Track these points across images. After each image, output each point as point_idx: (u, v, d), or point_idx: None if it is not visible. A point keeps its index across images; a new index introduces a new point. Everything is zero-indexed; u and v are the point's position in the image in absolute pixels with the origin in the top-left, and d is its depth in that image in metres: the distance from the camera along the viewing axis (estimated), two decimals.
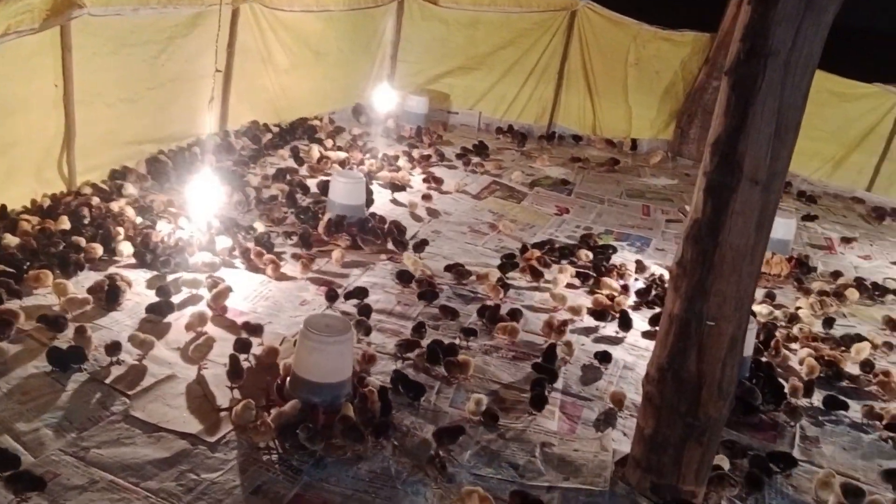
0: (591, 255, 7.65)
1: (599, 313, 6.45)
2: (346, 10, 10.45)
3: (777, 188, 3.79)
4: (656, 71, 11.71)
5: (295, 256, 6.68)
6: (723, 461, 4.70)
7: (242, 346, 5.08)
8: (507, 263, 7.12)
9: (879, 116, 10.81)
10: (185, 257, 6.15)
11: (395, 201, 8.54)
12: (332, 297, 6.08)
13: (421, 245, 7.24)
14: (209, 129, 8.16)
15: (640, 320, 6.57)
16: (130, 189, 7.06)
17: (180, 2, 7.54)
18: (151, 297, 5.61)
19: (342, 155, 9.21)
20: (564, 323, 6.11)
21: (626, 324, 6.33)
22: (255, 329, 5.35)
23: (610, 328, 6.45)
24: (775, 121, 3.63)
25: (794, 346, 6.51)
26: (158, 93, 7.71)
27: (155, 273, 6.04)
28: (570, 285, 7.04)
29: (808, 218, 9.94)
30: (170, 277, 5.99)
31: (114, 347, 4.84)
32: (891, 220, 10.46)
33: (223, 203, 7.27)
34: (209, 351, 5.12)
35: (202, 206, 6.78)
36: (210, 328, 5.43)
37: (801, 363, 6.16)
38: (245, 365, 4.98)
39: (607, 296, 6.76)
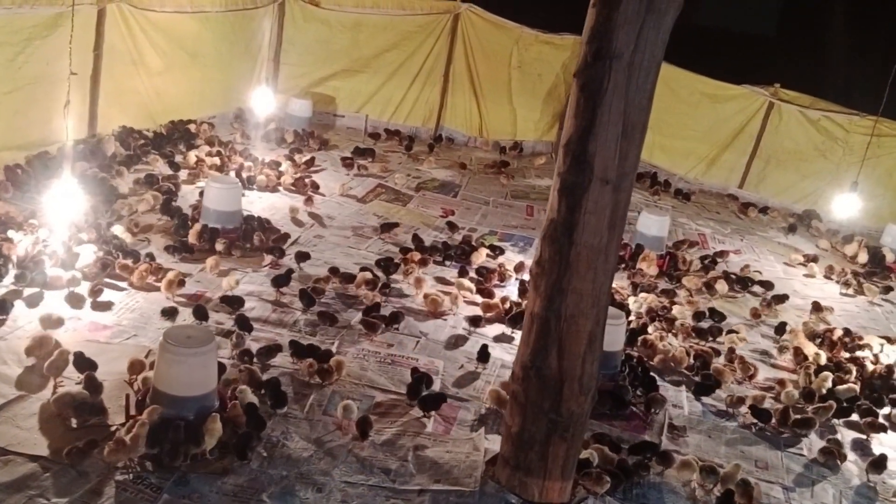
0: (484, 256, 7.80)
1: (474, 320, 6.48)
2: (224, 10, 10.20)
3: (627, 187, 3.88)
4: (539, 74, 11.92)
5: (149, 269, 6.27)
6: (592, 456, 4.82)
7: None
8: (385, 265, 7.10)
9: (748, 116, 11.35)
10: (42, 271, 5.82)
11: (274, 207, 8.37)
12: (201, 313, 5.81)
13: (303, 257, 7.11)
14: (71, 135, 7.75)
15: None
16: None
17: (38, 2, 7.16)
18: None
19: (217, 160, 8.94)
20: None
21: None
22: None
23: (492, 329, 6.52)
24: (622, 121, 3.72)
25: (671, 340, 6.70)
26: (16, 97, 7.33)
27: (11, 287, 5.70)
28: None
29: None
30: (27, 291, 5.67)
31: None
32: (758, 213, 10.98)
33: (86, 212, 6.94)
34: (66, 367, 4.85)
35: (63, 215, 6.43)
36: (70, 342, 5.16)
37: (671, 355, 6.37)
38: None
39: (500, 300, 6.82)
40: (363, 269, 6.96)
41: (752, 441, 5.56)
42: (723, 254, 9.07)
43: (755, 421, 5.71)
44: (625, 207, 3.95)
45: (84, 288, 5.84)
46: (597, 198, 3.82)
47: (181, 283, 6.14)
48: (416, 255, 7.41)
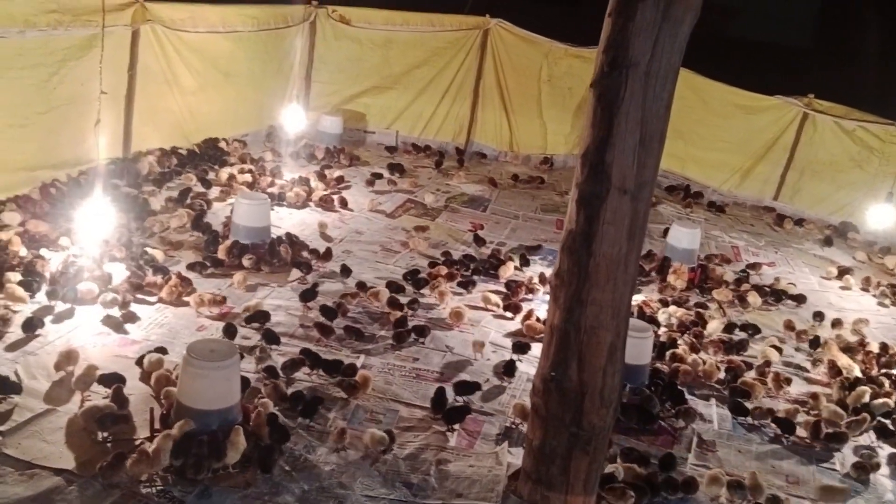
0: (512, 270, 7.76)
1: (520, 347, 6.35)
2: (256, 30, 10.32)
3: (646, 197, 3.84)
4: (569, 87, 11.87)
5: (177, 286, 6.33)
6: (617, 471, 4.75)
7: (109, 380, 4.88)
8: (414, 279, 7.11)
9: (782, 128, 11.15)
10: (73, 287, 5.92)
11: (304, 223, 8.44)
12: (230, 331, 5.84)
13: (347, 271, 7.17)
14: (104, 153, 7.92)
15: None
16: (14, 218, 6.79)
17: (72, 23, 7.31)
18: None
19: (248, 177, 9.05)
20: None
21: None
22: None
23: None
24: (639, 130, 3.69)
25: (703, 353, 6.59)
26: (51, 117, 7.46)
27: (43, 304, 5.81)
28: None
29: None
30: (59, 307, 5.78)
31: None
32: (793, 225, 10.79)
33: (121, 229, 7.08)
34: (93, 381, 4.92)
35: (97, 233, 6.56)
36: (98, 357, 5.25)
37: (700, 369, 6.26)
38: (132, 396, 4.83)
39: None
40: (389, 284, 6.97)
41: (783, 455, 5.44)
42: (756, 266, 8.92)
43: (785, 435, 5.59)
44: (644, 217, 3.90)
45: (116, 310, 5.93)
46: (615, 208, 3.79)
47: (218, 303, 6.21)
48: (443, 269, 7.41)
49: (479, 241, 8.56)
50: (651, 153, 3.77)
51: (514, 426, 5.27)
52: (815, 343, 7.02)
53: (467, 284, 7.36)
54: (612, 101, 3.68)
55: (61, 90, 7.50)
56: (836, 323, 7.61)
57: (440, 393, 5.33)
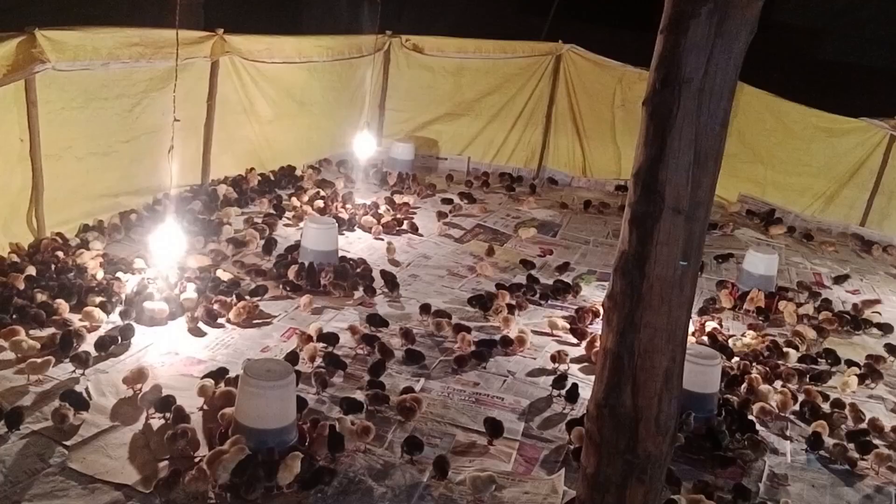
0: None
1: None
2: (331, 60, 10.57)
3: (701, 217, 3.71)
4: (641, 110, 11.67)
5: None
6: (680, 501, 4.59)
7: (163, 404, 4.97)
8: (478, 303, 7.09)
9: (868, 151, 10.67)
10: (146, 308, 6.12)
11: (372, 247, 8.53)
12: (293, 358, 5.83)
13: (426, 309, 7.04)
14: (181, 180, 8.21)
15: None
16: (96, 243, 7.09)
17: (153, 56, 7.63)
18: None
19: (321, 203, 9.23)
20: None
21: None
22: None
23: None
24: (693, 149, 3.58)
25: (776, 383, 6.33)
26: (133, 146, 7.80)
27: (117, 324, 6.02)
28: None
29: (842, 278, 9.20)
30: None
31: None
32: (882, 251, 10.29)
33: (197, 253, 7.31)
34: (158, 400, 5.05)
35: (172, 257, 6.78)
36: (165, 375, 5.40)
37: (774, 399, 6.00)
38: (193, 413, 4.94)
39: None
40: (452, 320, 6.86)
41: (861, 490, 5.14)
42: (871, 302, 8.43)
43: (869, 468, 5.29)
44: (700, 238, 3.77)
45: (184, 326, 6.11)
46: (669, 228, 3.67)
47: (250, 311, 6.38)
48: (506, 294, 7.35)
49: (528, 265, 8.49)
50: (706, 172, 3.65)
51: (571, 450, 5.15)
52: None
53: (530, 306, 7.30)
54: (665, 119, 3.59)
55: (143, 120, 7.83)
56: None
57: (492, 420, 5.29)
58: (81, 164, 7.29)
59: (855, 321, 7.67)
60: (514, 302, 7.28)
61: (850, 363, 6.79)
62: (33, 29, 6.46)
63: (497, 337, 6.57)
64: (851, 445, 5.49)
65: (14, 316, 5.74)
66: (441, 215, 9.59)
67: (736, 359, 6.67)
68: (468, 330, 6.56)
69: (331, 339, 6.15)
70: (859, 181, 10.83)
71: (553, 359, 6.26)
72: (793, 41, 18.36)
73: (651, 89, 3.65)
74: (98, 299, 6.14)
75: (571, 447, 5.16)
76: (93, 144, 7.38)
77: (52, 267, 6.50)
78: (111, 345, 5.63)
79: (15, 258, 6.55)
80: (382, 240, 8.69)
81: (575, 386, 5.89)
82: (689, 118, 3.55)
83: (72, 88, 6.99)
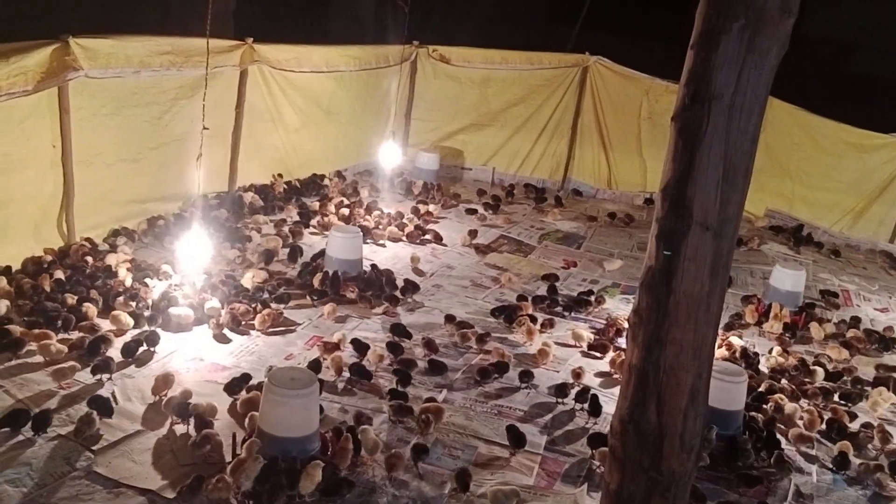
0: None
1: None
2: (358, 69, 10.62)
3: (729, 234, 3.68)
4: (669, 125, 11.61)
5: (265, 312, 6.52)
6: None
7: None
8: (501, 314, 7.08)
9: None
10: (173, 314, 6.18)
11: (397, 256, 8.55)
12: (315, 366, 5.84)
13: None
14: (209, 187, 8.29)
15: None
16: (124, 248, 7.17)
17: (184, 64, 7.71)
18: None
19: (346, 211, 9.27)
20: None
21: None
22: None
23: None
24: (722, 165, 3.55)
25: (803, 401, 6.26)
26: (162, 152, 7.89)
27: (142, 329, 6.07)
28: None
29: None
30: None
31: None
32: None
33: (222, 260, 7.37)
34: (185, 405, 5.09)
35: (198, 264, 6.85)
36: (190, 382, 5.44)
37: (800, 417, 5.93)
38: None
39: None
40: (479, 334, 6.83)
41: None
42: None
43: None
44: (728, 255, 3.74)
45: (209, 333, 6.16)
46: (696, 244, 3.64)
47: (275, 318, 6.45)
48: (528, 307, 7.33)
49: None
50: (735, 189, 3.62)
51: (596, 468, 5.12)
52: None
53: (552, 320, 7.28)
54: (694, 135, 3.57)
55: (172, 127, 7.92)
56: None
57: (515, 430, 5.28)
58: (111, 171, 7.38)
59: (883, 340, 7.55)
60: (536, 314, 7.26)
61: (878, 381, 6.70)
62: (67, 37, 6.55)
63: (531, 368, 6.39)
64: (882, 465, 5.40)
65: (43, 319, 5.81)
66: (473, 234, 9.36)
67: (762, 376, 6.59)
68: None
69: (361, 348, 6.16)
70: (889, 198, 10.69)
71: (576, 375, 6.22)
72: (823, 55, 18.17)
73: (680, 105, 3.63)
74: (126, 304, 6.21)
75: (596, 464, 5.13)
76: (122, 151, 7.47)
77: (82, 271, 6.58)
78: (137, 350, 5.68)
79: (50, 258, 6.69)
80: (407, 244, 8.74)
81: (596, 398, 5.84)
82: (719, 134, 3.53)
83: (103, 95, 7.08)
